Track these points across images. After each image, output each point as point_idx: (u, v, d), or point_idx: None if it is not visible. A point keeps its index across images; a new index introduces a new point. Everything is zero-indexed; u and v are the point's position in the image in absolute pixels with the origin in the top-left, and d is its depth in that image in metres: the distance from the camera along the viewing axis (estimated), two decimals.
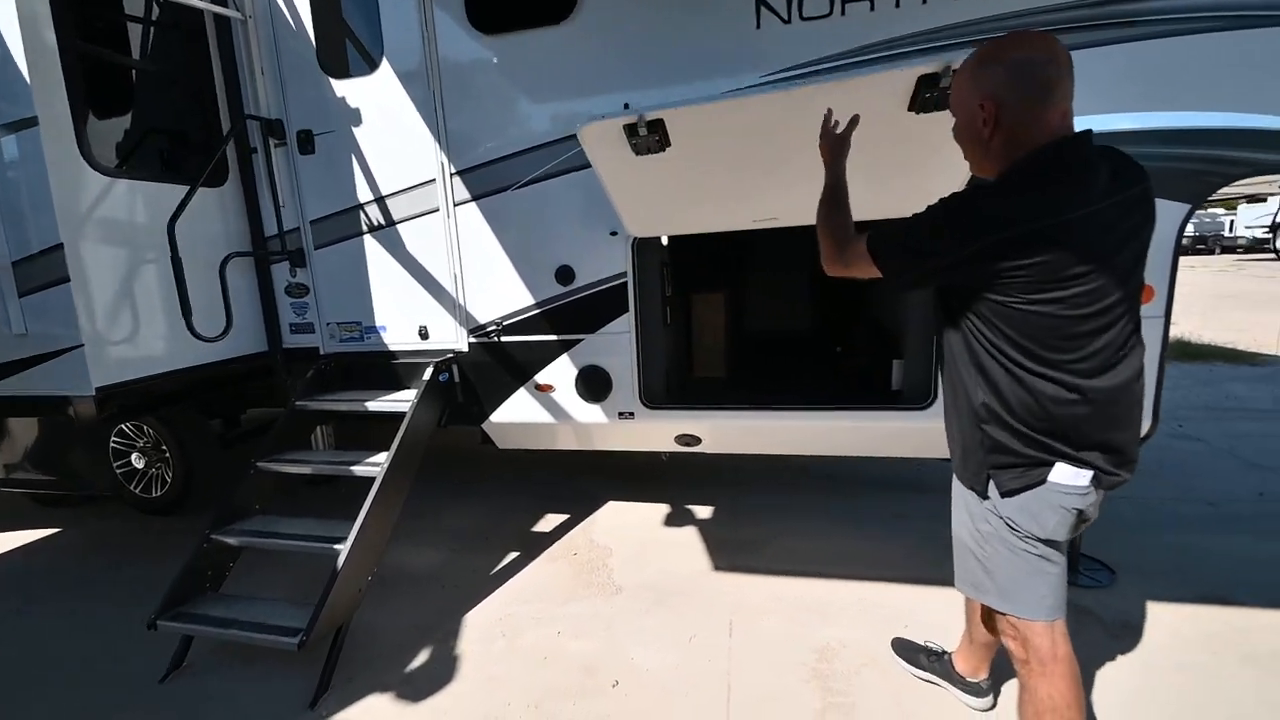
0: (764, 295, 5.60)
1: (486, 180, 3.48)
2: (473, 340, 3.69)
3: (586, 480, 4.82)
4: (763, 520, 4.07)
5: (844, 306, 4.80)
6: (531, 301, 3.54)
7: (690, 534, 3.93)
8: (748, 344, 5.14)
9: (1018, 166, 1.36)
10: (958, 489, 1.71)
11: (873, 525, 3.87)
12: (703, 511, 4.23)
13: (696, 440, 3.64)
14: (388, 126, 3.59)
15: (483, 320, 3.65)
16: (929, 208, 1.45)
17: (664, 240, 3.55)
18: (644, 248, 3.34)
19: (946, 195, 1.44)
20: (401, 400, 3.49)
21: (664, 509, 4.27)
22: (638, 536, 3.94)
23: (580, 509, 4.37)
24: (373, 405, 3.55)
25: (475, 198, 3.52)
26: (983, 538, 1.59)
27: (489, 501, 4.69)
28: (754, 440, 3.66)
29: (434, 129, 3.48)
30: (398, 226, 3.68)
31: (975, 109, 1.40)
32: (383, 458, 3.16)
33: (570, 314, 3.48)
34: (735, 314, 5.11)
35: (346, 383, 3.94)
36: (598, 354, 3.49)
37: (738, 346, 4.84)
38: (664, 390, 3.57)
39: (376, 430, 3.48)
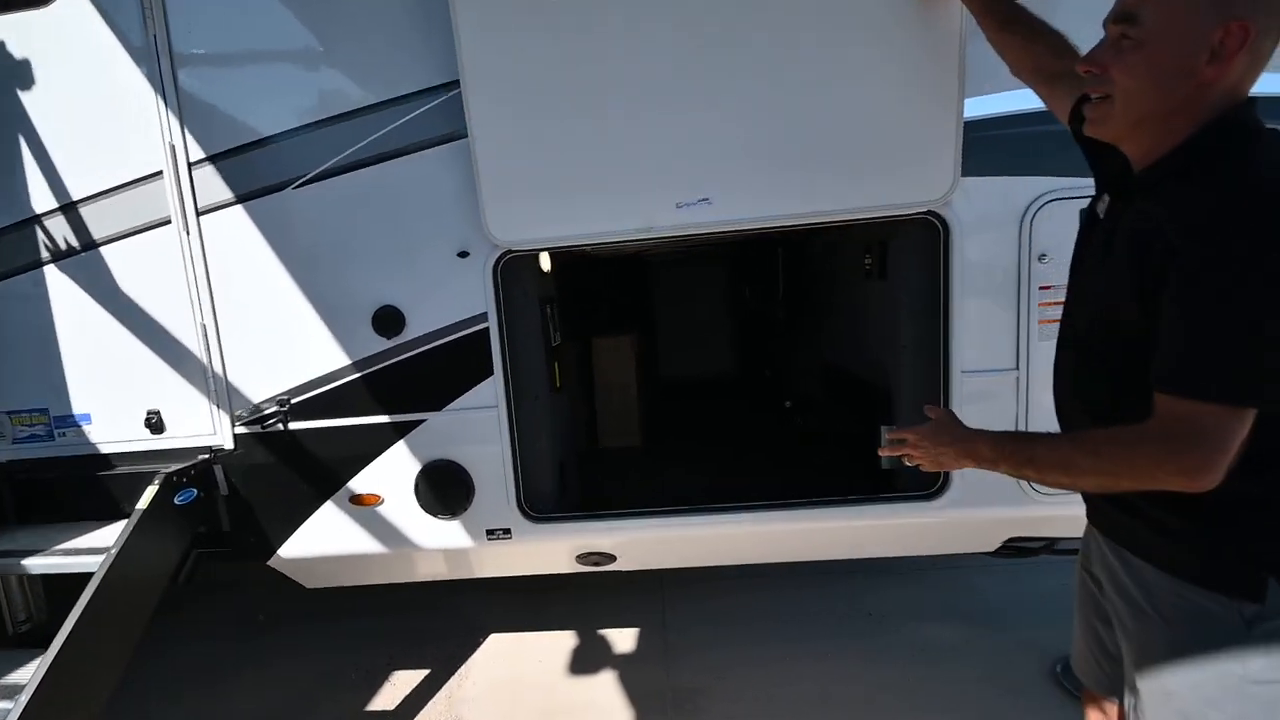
0: (685, 334, 4.56)
1: (251, 172, 2.16)
2: (242, 430, 2.28)
3: (462, 596, 3.42)
4: (704, 644, 2.92)
5: (792, 346, 3.83)
6: (337, 365, 2.21)
7: (607, 686, 2.68)
8: (670, 398, 4.04)
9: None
10: (1150, 606, 1.08)
11: (843, 635, 2.98)
12: (623, 639, 2.98)
13: (608, 559, 2.42)
14: (79, 88, 2.17)
15: (257, 398, 2.26)
16: (1232, 280, 0.88)
17: (545, 264, 2.37)
18: (515, 274, 2.15)
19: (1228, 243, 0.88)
20: (93, 548, 2.00)
21: (569, 639, 2.95)
22: (532, 702, 2.63)
23: (448, 652, 3.00)
24: (35, 563, 2.01)
25: (233, 201, 2.17)
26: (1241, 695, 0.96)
27: (307, 655, 3.12)
28: (689, 552, 2.52)
29: (158, 88, 2.12)
30: (102, 249, 2.23)
31: (1208, 34, 0.90)
32: (28, 672, 1.67)
33: (400, 382, 2.20)
34: (649, 361, 4.01)
35: (26, 510, 2.36)
36: (448, 442, 2.22)
37: (657, 404, 3.73)
38: (556, 490, 2.34)
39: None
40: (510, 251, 2.07)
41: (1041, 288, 2.03)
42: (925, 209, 1.98)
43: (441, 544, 2.30)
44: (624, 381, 3.33)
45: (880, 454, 1.38)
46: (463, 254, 2.09)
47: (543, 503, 2.29)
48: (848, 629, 2.99)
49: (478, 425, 2.19)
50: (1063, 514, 2.19)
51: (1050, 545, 2.41)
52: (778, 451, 3.01)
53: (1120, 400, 1.05)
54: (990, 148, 2.00)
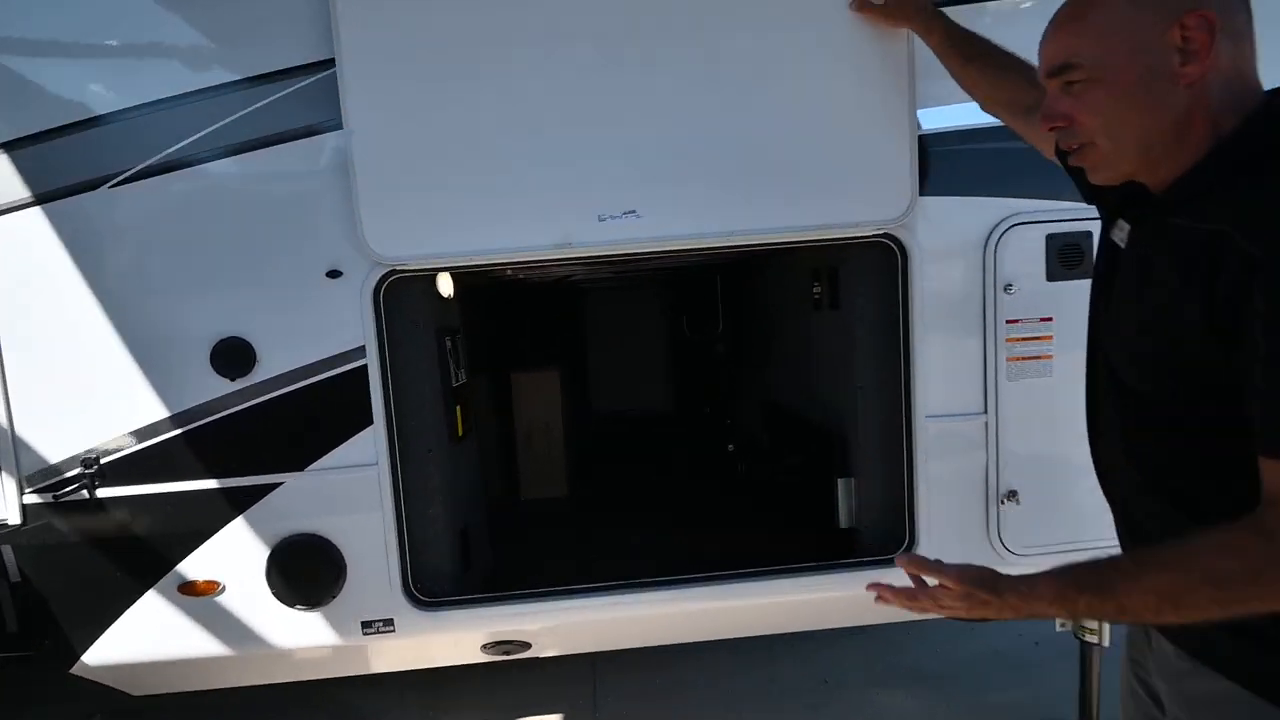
0: (617, 368, 4.22)
1: (56, 164, 1.67)
2: (34, 500, 1.74)
3: (350, 689, 2.84)
4: None
5: (734, 382, 3.54)
6: (164, 413, 1.72)
7: None
8: (600, 438, 3.67)
9: None
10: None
11: (796, 705, 2.71)
12: None
13: (522, 646, 1.99)
14: None
15: (55, 458, 1.73)
16: None
17: (445, 288, 1.98)
18: (402, 299, 1.75)
19: None
20: None
21: None
22: None
23: None
24: None
25: (29, 201, 1.67)
26: None
27: None
28: (620, 635, 2.13)
29: None
30: None
31: (1165, 37, 0.79)
32: None
33: (249, 435, 1.73)
34: (577, 399, 3.63)
35: None
36: (311, 512, 1.76)
37: (586, 446, 3.34)
38: (455, 565, 1.91)
39: None
40: (395, 271, 1.67)
41: (1008, 321, 1.82)
42: (881, 230, 1.74)
43: (302, 642, 1.80)
44: (548, 422, 2.94)
45: (879, 598, 1.00)
46: (333, 273, 1.67)
47: (437, 583, 1.84)
48: (802, 698, 2.69)
49: (351, 489, 1.74)
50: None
51: None
52: (722, 505, 2.68)
53: (1193, 464, 0.81)
54: (951, 163, 1.79)
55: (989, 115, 1.45)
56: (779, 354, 2.70)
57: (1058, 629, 2.36)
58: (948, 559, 1.89)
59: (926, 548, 1.86)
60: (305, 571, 1.75)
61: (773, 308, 2.74)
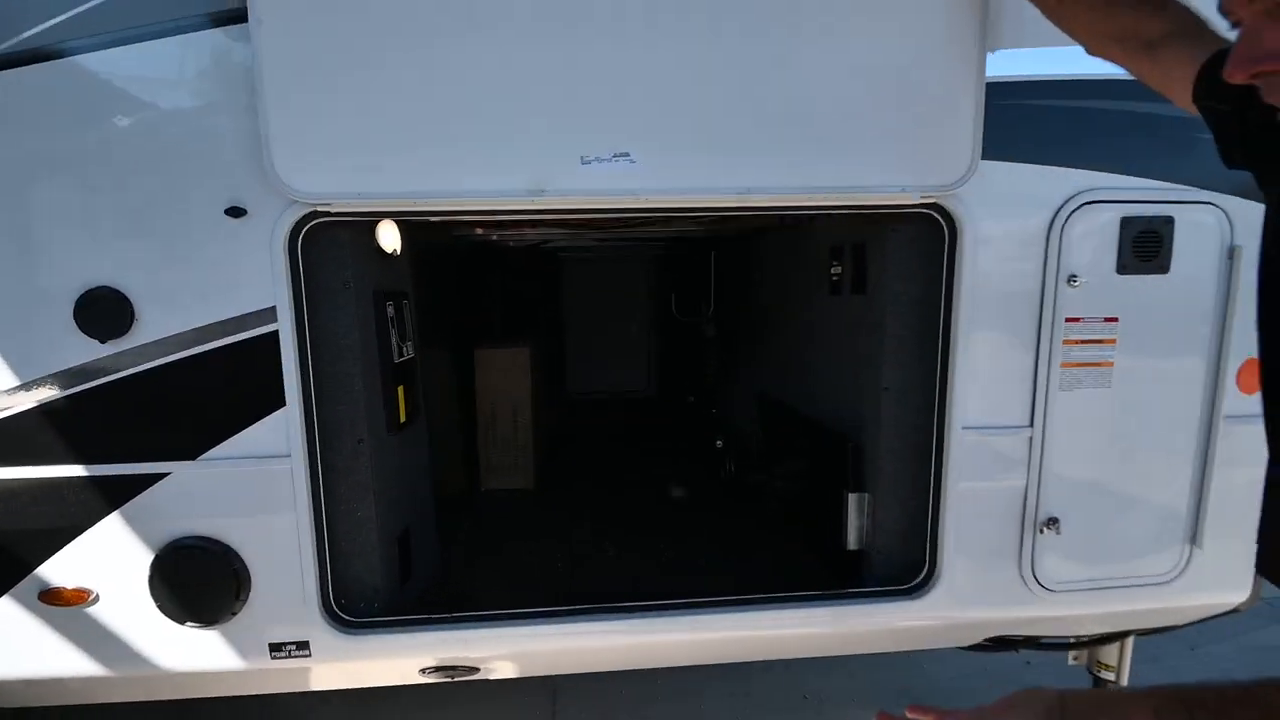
0: (595, 348, 3.87)
1: None
2: None
3: (275, 706, 2.53)
4: None
5: (726, 371, 3.21)
6: (14, 382, 1.35)
7: None
8: (572, 425, 3.34)
9: None
10: None
11: None
12: None
13: (469, 670, 1.68)
14: None
15: None
16: None
17: (389, 241, 1.62)
18: (328, 250, 1.38)
19: None
20: None
21: None
22: None
23: None
24: None
25: None
26: None
27: None
28: (585, 661, 1.83)
29: None
30: None
31: None
32: None
33: (126, 412, 1.37)
34: (548, 380, 3.29)
35: None
36: (206, 510, 1.42)
37: (556, 434, 3.01)
38: (390, 577, 1.58)
39: None
40: (317, 214, 1.31)
41: (1068, 320, 1.52)
42: (929, 198, 1.41)
43: (194, 664, 1.47)
44: (514, 406, 2.60)
45: None
46: (235, 211, 1.30)
47: (365, 600, 1.52)
48: (781, 715, 2.49)
49: (257, 485, 1.40)
50: (1064, 614, 1.70)
51: (1034, 640, 1.92)
52: (707, 511, 2.38)
53: None
54: (1018, 121, 1.46)
55: (1095, 58, 1.11)
56: (779, 343, 2.39)
57: (1070, 662, 2.14)
58: (972, 593, 1.65)
59: (949, 579, 1.59)
60: (197, 582, 1.41)
61: (776, 290, 2.42)
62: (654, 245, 3.50)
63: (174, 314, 1.33)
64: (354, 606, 1.50)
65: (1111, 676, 2.02)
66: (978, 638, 1.86)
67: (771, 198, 1.37)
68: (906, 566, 1.65)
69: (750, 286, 2.78)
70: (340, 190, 1.27)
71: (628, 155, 1.29)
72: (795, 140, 1.35)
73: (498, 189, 1.29)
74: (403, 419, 1.66)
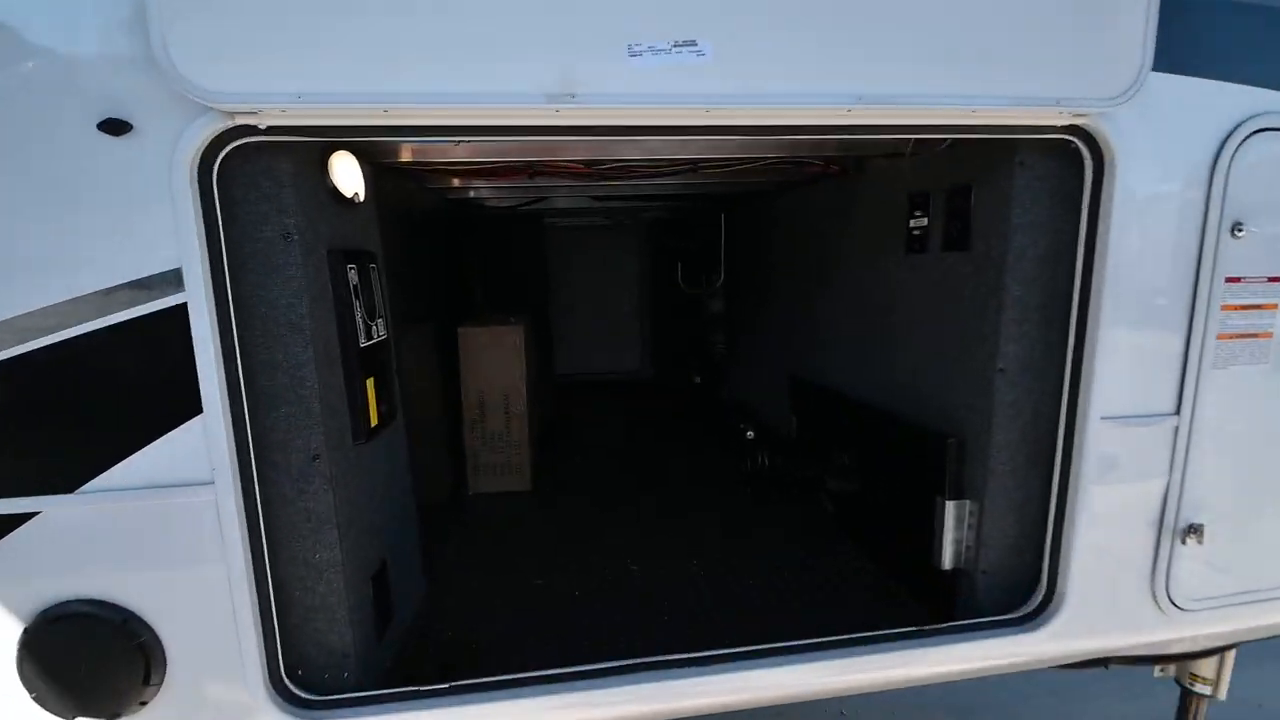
0: (585, 323, 3.48)
1: None
2: None
3: None
4: None
5: (747, 348, 2.84)
6: None
7: None
8: (572, 411, 2.96)
9: None
10: None
11: None
12: None
13: None
14: None
15: None
16: None
17: (348, 180, 1.19)
18: (257, 186, 0.95)
19: None
20: None
21: None
22: None
23: None
24: None
25: None
26: None
27: None
28: None
29: None
30: None
31: None
32: None
33: None
34: (544, 362, 2.90)
35: None
36: (96, 563, 0.99)
37: (554, 422, 2.63)
38: (365, 628, 1.19)
39: None
40: (242, 129, 0.88)
41: (1228, 280, 1.20)
42: (1083, 117, 1.06)
43: None
44: (507, 394, 2.21)
45: None
46: (114, 126, 0.86)
47: (332, 666, 1.13)
48: None
49: (166, 523, 0.99)
50: (1194, 633, 1.42)
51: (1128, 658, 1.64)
52: (743, 518, 2.02)
53: None
54: (1194, 24, 1.12)
55: None
56: (821, 315, 2.04)
57: (1156, 674, 1.89)
58: (1097, 618, 1.31)
59: (1072, 604, 1.28)
60: (89, 662, 1.00)
61: (818, 252, 2.06)
62: (654, 205, 3.10)
63: (34, 284, 0.90)
64: (315, 678, 1.12)
65: (1207, 691, 1.77)
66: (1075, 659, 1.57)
67: (884, 111, 1.00)
68: (1016, 589, 1.34)
69: (776, 250, 2.42)
70: (271, 90, 0.85)
71: (695, 46, 0.90)
72: (920, 37, 0.98)
73: (507, 90, 0.88)
74: (374, 421, 1.25)
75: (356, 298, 1.20)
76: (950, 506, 1.36)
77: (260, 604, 1.03)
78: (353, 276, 1.19)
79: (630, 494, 2.24)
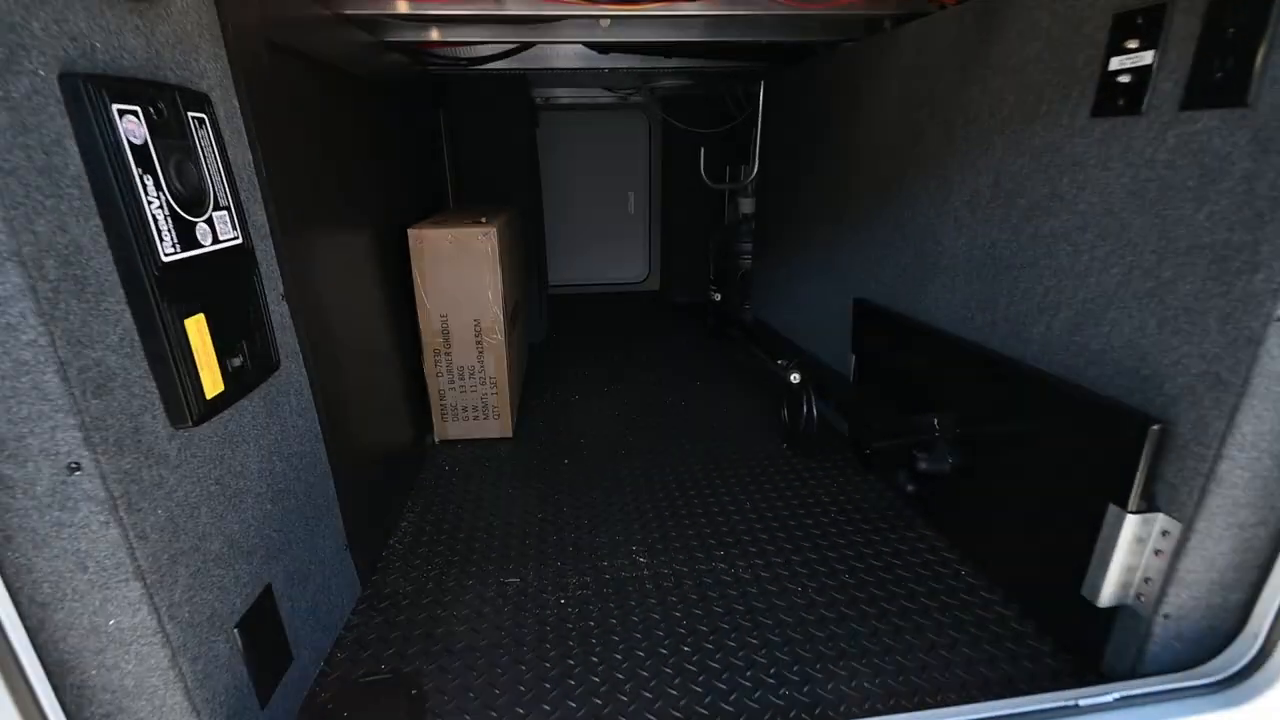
0: (580, 226, 2.95)
1: None
2: None
3: None
4: None
5: (791, 255, 2.26)
6: None
7: None
8: (562, 335, 2.47)
9: None
10: None
11: None
12: None
13: None
14: None
15: None
16: None
17: None
18: None
19: None
20: None
21: None
22: None
23: None
24: None
25: None
26: None
27: None
28: None
29: None
30: None
31: None
32: None
33: None
34: (527, 272, 2.36)
35: None
36: None
37: (541, 353, 2.14)
38: (239, 698, 0.75)
39: None
40: None
41: None
42: None
43: None
44: (478, 318, 1.70)
45: None
46: None
47: None
48: None
49: None
50: None
51: None
52: (785, 489, 1.56)
53: None
54: None
55: None
56: (907, 217, 1.48)
57: None
58: None
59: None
60: None
61: (905, 121, 1.45)
62: (673, 71, 2.42)
63: None
64: None
65: None
66: None
67: None
68: (1204, 643, 0.90)
69: (839, 125, 1.80)
70: None
71: None
72: None
73: None
74: (217, 385, 0.75)
75: (148, 171, 0.66)
76: (1132, 522, 0.89)
77: (27, 698, 0.59)
78: (133, 131, 0.65)
79: (636, 449, 1.78)
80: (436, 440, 1.82)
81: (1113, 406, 0.91)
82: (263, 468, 0.89)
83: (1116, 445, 0.89)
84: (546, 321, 2.86)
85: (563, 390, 2.24)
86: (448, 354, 1.73)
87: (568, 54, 2.08)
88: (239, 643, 0.81)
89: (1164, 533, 0.88)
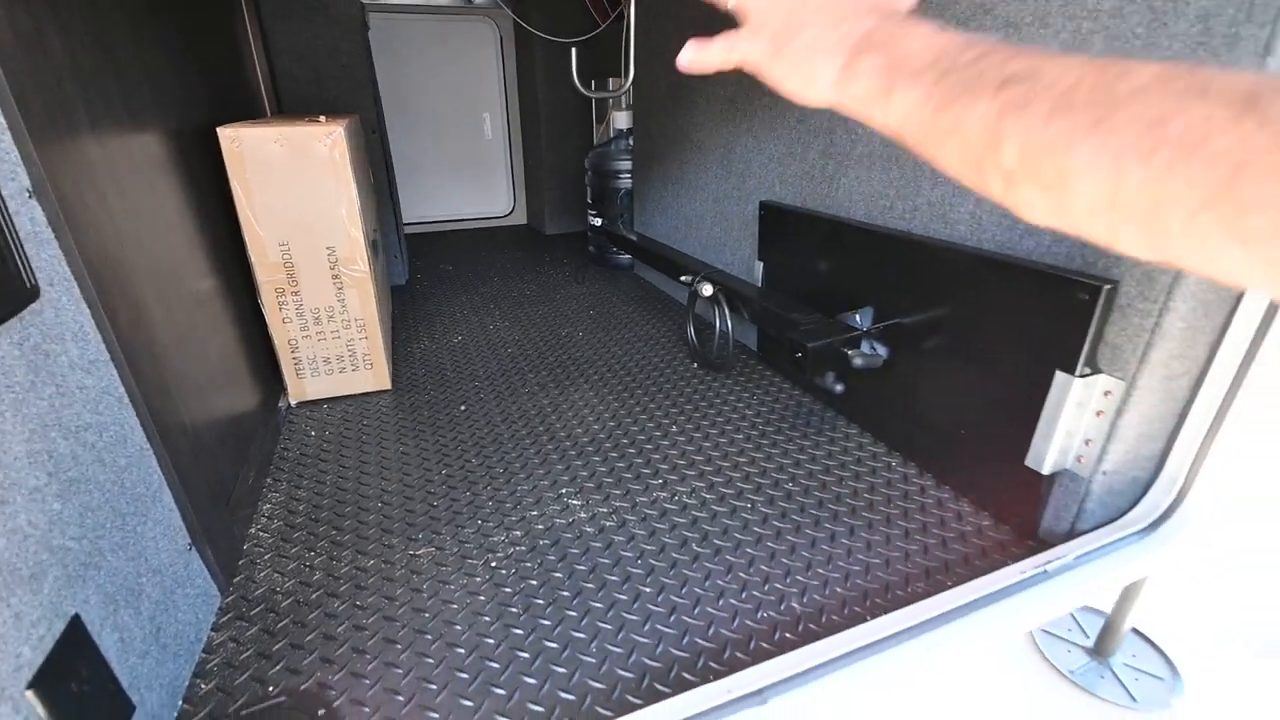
0: (454, 155, 2.60)
1: None
2: None
3: None
4: None
5: (679, 166, 2.08)
6: None
7: None
8: (431, 273, 2.17)
9: None
10: None
11: None
12: None
13: None
14: None
15: None
16: None
17: None
18: None
19: None
20: None
21: None
22: None
23: None
24: None
25: None
26: None
27: None
28: None
29: None
30: None
31: None
32: None
33: None
34: (380, 198, 2.01)
35: None
36: None
37: (416, 293, 1.84)
38: None
39: None
40: None
41: None
42: None
43: None
44: (333, 244, 1.36)
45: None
46: None
47: None
48: None
49: None
50: None
51: None
52: (699, 408, 1.45)
53: None
54: None
55: None
56: (805, 115, 1.39)
57: None
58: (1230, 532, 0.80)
59: (1208, 515, 0.94)
60: None
61: None
62: None
63: None
64: None
65: None
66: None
67: None
68: (1128, 491, 0.97)
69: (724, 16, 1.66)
70: None
71: None
72: None
73: None
74: None
75: None
76: (1077, 386, 0.90)
77: None
78: None
79: (540, 386, 1.59)
80: (293, 403, 1.49)
81: (1059, 274, 0.90)
82: (33, 449, 0.59)
83: (1064, 312, 0.88)
84: (407, 263, 2.49)
85: (440, 333, 1.95)
86: (295, 293, 1.39)
87: None
88: (38, 709, 0.54)
89: (1106, 393, 0.90)
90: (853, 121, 1.31)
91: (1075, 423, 0.93)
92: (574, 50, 2.15)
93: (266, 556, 1.01)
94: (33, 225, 0.63)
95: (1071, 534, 0.99)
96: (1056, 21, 0.90)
